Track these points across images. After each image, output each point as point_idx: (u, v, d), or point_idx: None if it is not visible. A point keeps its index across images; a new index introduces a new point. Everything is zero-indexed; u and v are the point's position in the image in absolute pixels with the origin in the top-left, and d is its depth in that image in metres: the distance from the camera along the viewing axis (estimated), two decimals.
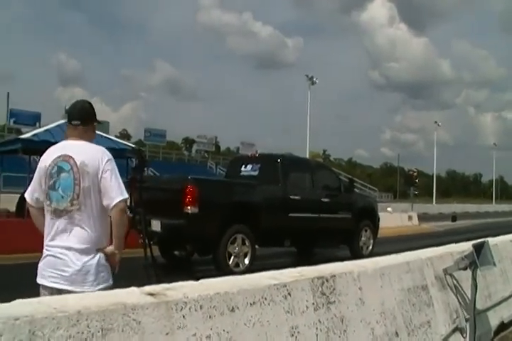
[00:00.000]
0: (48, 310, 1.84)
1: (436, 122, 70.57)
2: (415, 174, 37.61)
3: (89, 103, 3.44)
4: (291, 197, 10.81)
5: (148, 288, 2.36)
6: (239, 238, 9.51)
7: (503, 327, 5.86)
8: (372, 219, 13.26)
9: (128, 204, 3.48)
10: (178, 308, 2.27)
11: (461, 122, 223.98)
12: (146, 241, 5.85)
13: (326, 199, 11.80)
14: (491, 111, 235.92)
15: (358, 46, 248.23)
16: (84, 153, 3.15)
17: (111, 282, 3.18)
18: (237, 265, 9.44)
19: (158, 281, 2.94)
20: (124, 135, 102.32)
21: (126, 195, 3.18)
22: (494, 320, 5.67)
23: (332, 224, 11.87)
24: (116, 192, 3.12)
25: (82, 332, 1.89)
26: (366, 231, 12.86)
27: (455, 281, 4.97)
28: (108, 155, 3.22)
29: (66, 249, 3.05)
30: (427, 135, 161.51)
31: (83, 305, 1.97)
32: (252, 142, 66.48)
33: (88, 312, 1.94)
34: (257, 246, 9.97)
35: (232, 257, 9.38)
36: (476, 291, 4.78)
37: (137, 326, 2.08)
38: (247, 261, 9.56)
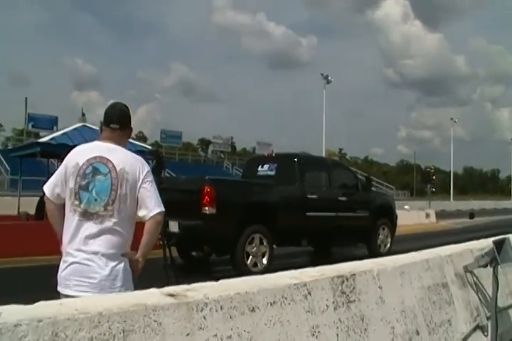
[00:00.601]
0: (70, 312, 1.85)
1: (452, 118, 70.28)
2: (432, 171, 37.39)
3: (127, 106, 3.39)
4: (308, 196, 10.86)
5: (168, 289, 2.37)
6: (256, 238, 9.56)
7: None
8: (389, 217, 13.27)
9: None
10: (199, 309, 2.27)
11: (478, 118, 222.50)
12: (165, 242, 5.83)
13: (343, 198, 11.82)
14: (508, 106, 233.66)
15: (373, 44, 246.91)
16: (124, 159, 3.11)
17: (133, 288, 3.09)
18: (255, 265, 9.50)
19: (178, 282, 2.91)
20: (141, 137, 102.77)
21: (163, 208, 3.16)
22: None
23: (349, 223, 11.92)
24: (155, 203, 3.12)
25: (104, 334, 1.89)
26: (384, 229, 12.89)
27: (475, 279, 4.93)
28: (147, 166, 3.21)
29: (93, 254, 2.98)
30: (443, 131, 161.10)
31: (104, 306, 1.98)
32: (269, 142, 66.50)
33: (109, 314, 1.95)
34: (274, 246, 9.97)
35: (250, 257, 9.43)
36: (497, 288, 4.74)
37: (158, 327, 2.08)
38: (265, 260, 9.62)
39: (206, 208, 9.00)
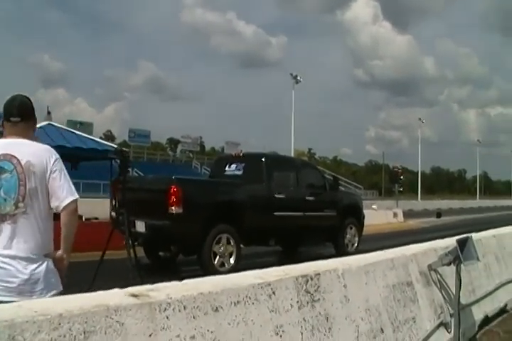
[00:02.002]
0: (28, 314, 1.82)
1: (420, 119, 71.13)
2: (400, 171, 37.70)
3: (28, 98, 3.19)
4: (275, 195, 10.82)
5: (131, 289, 2.35)
6: (224, 238, 9.51)
7: (487, 321, 5.92)
8: (357, 216, 13.29)
9: (113, 205, 3.36)
10: (162, 309, 2.26)
11: (445, 119, 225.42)
12: (129, 242, 5.78)
13: (310, 198, 11.82)
14: (474, 108, 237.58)
15: (343, 44, 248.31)
16: (30, 152, 2.94)
17: (61, 288, 2.99)
18: (222, 265, 9.44)
19: (142, 282, 2.85)
20: (109, 136, 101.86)
21: (76, 196, 2.99)
22: (478, 314, 5.72)
23: (317, 222, 11.90)
24: (66, 192, 2.94)
25: (64, 336, 1.87)
26: (351, 228, 12.90)
27: (439, 277, 5.00)
28: (55, 154, 3.02)
29: (11, 258, 2.81)
30: (412, 132, 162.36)
31: (65, 307, 1.95)
32: (237, 141, 66.53)
33: (70, 315, 1.92)
34: (242, 246, 9.98)
35: (218, 257, 9.38)
36: (460, 286, 4.82)
37: (120, 328, 2.07)
38: (232, 260, 9.57)
39: (173, 208, 8.93)
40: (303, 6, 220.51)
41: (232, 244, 9.61)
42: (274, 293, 2.85)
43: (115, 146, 13.29)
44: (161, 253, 10.87)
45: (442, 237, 6.31)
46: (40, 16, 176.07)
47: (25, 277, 2.81)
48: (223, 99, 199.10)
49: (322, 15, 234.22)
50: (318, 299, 3.19)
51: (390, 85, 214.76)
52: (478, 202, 66.71)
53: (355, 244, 12.91)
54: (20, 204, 2.86)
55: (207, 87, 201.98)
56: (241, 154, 12.40)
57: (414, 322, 4.28)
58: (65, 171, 3.02)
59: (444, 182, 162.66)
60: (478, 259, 5.01)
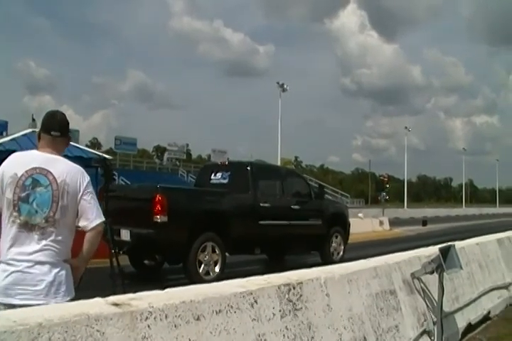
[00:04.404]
0: (6, 324, 1.82)
1: (406, 127, 71.22)
2: (385, 179, 37.95)
3: (65, 115, 3.34)
4: (260, 204, 10.78)
5: (113, 298, 2.35)
6: (209, 246, 9.49)
7: (470, 328, 5.95)
8: (342, 225, 13.27)
9: None
10: (143, 318, 2.26)
11: (432, 127, 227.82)
12: (112, 250, 5.75)
13: (296, 206, 11.79)
14: (461, 117, 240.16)
15: (330, 53, 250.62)
16: (65, 170, 3.09)
17: (74, 294, 3.12)
18: (207, 273, 9.41)
19: (125, 291, 2.89)
20: (95, 144, 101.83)
21: (103, 218, 3.19)
22: (462, 321, 5.75)
23: (302, 231, 11.89)
24: (95, 214, 3.13)
25: None
26: (337, 237, 12.89)
27: (423, 285, 5.03)
28: (87, 176, 3.20)
29: (36, 263, 2.96)
30: (398, 140, 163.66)
31: (45, 317, 1.95)
32: (224, 149, 66.45)
33: (50, 325, 1.92)
34: (227, 254, 9.96)
35: (203, 265, 9.34)
36: (442, 294, 4.85)
37: (101, 337, 2.07)
38: (217, 269, 9.55)
39: (158, 216, 8.89)
40: (290, 15, 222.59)
41: (217, 252, 9.59)
42: (256, 301, 2.86)
43: (100, 154, 13.27)
44: (146, 262, 10.81)
45: (427, 245, 6.35)
46: (27, 23, 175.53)
47: (51, 279, 2.97)
48: (210, 107, 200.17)
49: (310, 24, 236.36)
50: (301, 308, 3.20)
51: (377, 94, 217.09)
52: (464, 210, 67.11)
53: (341, 253, 12.91)
54: (50, 219, 3.01)
55: (194, 95, 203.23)
56: (227, 162, 12.47)
57: (398, 330, 4.30)
58: (94, 194, 3.20)
59: (430, 190, 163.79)
60: (460, 268, 5.04)
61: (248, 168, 11.24)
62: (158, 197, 8.98)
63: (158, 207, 8.92)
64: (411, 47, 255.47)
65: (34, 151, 3.20)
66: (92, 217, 3.11)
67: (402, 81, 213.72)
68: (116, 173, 45.25)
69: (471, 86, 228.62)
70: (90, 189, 3.16)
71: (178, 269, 9.59)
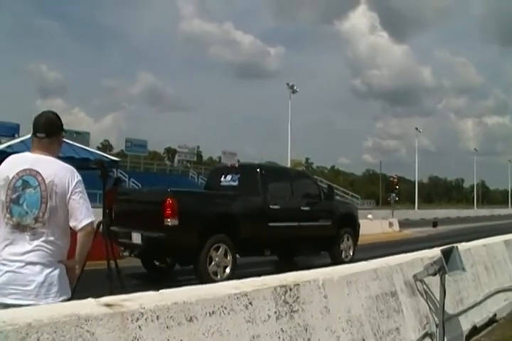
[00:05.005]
0: None
1: (417, 128, 70.86)
2: (395, 180, 37.78)
3: (56, 114, 3.37)
4: (270, 206, 10.89)
5: (105, 299, 2.36)
6: (220, 248, 9.61)
7: (475, 331, 5.90)
8: (352, 225, 13.40)
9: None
10: (134, 319, 2.27)
11: (443, 128, 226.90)
12: (110, 251, 5.77)
13: (305, 208, 11.89)
14: (471, 117, 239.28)
15: (340, 54, 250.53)
16: (53, 171, 3.11)
17: (70, 294, 3.15)
18: (218, 274, 9.51)
19: (123, 292, 2.89)
20: (106, 146, 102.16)
21: (93, 218, 3.19)
22: (466, 324, 5.71)
23: (312, 232, 11.96)
24: (84, 214, 3.13)
25: None
26: (347, 238, 13.00)
27: (425, 287, 5.00)
28: (77, 175, 3.20)
29: (28, 264, 3.00)
30: (409, 141, 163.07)
31: (34, 317, 1.96)
32: (234, 151, 66.49)
33: (39, 325, 1.93)
34: (238, 256, 10.05)
35: (214, 267, 9.46)
36: (444, 296, 4.82)
37: (91, 337, 2.07)
38: (228, 270, 9.64)
39: (168, 220, 9.02)
40: (300, 17, 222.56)
41: (228, 254, 9.70)
42: (250, 303, 2.86)
43: (109, 156, 13.31)
44: (156, 263, 10.92)
45: (436, 246, 6.31)
46: (38, 25, 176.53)
47: (41, 280, 3.00)
48: (221, 109, 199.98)
49: (320, 26, 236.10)
50: (297, 310, 3.19)
51: (387, 95, 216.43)
52: (475, 211, 66.77)
53: (351, 253, 13.02)
54: (40, 220, 3.05)
55: (205, 97, 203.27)
56: (236, 165, 12.56)
57: (398, 332, 4.28)
58: (85, 193, 3.20)
59: (441, 192, 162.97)
60: (463, 269, 5.00)
61: (258, 170, 11.39)
62: (169, 201, 9.09)
63: (169, 211, 9.03)
64: (421, 48, 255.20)
65: (27, 153, 3.24)
66: (80, 217, 3.11)
67: (412, 82, 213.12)
68: (126, 175, 45.57)
69: (482, 86, 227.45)
70: (80, 188, 3.16)
71: (190, 270, 9.71)
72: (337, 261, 11.82)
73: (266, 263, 12.21)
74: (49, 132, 3.23)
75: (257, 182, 10.99)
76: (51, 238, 3.07)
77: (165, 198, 9.16)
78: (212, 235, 9.51)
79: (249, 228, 10.23)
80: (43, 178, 3.07)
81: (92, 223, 3.19)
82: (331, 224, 12.54)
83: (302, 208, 11.81)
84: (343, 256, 12.71)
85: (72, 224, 3.12)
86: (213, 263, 9.46)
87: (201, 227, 9.42)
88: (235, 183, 11.29)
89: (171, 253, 9.80)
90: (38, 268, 3.01)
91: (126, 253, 9.89)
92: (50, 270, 3.04)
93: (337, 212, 13.02)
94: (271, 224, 10.73)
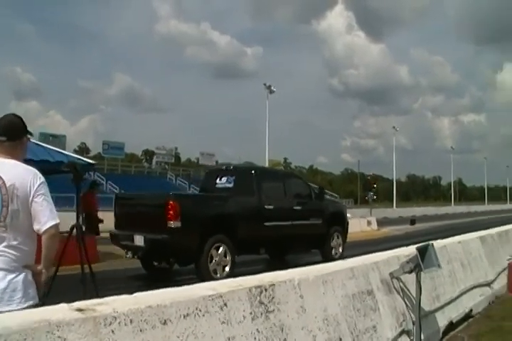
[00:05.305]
0: None
1: (394, 127, 71.32)
2: (372, 180, 38.03)
3: (19, 117, 3.30)
4: (265, 207, 11.32)
5: (78, 304, 2.34)
6: (219, 247, 10.01)
7: (451, 327, 5.97)
8: (341, 224, 13.94)
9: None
10: (107, 323, 2.25)
11: (420, 127, 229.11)
12: (84, 256, 5.73)
13: (297, 207, 12.34)
14: (448, 116, 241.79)
15: (318, 54, 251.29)
16: (15, 174, 3.05)
17: (37, 300, 3.09)
18: (218, 272, 9.90)
19: (98, 296, 2.86)
20: (83, 149, 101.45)
21: (57, 220, 3.11)
22: (443, 320, 5.77)
23: (304, 231, 12.39)
24: (48, 217, 3.06)
25: None
26: (337, 236, 13.49)
27: (402, 285, 5.04)
28: (40, 177, 3.12)
29: None
30: (387, 140, 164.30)
31: (3, 325, 1.93)
32: (212, 152, 66.47)
33: (8, 333, 1.90)
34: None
35: (214, 265, 9.85)
36: (420, 293, 4.86)
37: None
38: (227, 268, 10.06)
39: (171, 222, 9.42)
40: (277, 17, 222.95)
41: (227, 253, 10.11)
42: (225, 304, 2.85)
43: (85, 159, 13.20)
44: (155, 264, 11.21)
45: (413, 244, 6.36)
46: (12, 28, 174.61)
47: (3, 286, 2.92)
48: (199, 110, 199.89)
49: (297, 26, 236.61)
50: (273, 310, 3.19)
51: (364, 94, 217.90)
52: (452, 209, 67.39)
53: (340, 250, 13.50)
54: (1, 224, 2.98)
55: (182, 98, 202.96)
56: (231, 167, 13.00)
57: (375, 330, 4.30)
58: (49, 196, 3.13)
59: (419, 190, 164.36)
60: (439, 266, 5.05)
61: (252, 172, 11.93)
62: (171, 204, 9.53)
63: (172, 213, 9.45)
64: (398, 47, 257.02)
65: None
66: (44, 219, 3.05)
67: (389, 81, 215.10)
68: (103, 178, 45.27)
69: (458, 85, 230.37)
70: (43, 191, 3.09)
71: (188, 270, 10.24)
72: (327, 258, 12.28)
73: (257, 261, 12.42)
74: (11, 135, 3.16)
75: (252, 184, 11.42)
76: (14, 243, 3.00)
77: (167, 201, 9.61)
78: (212, 235, 9.90)
79: (246, 228, 10.65)
80: (3, 182, 3.00)
81: (56, 225, 3.10)
82: (321, 222, 13.01)
83: (294, 207, 12.25)
84: (333, 253, 13.16)
85: (35, 227, 3.05)
86: (214, 262, 9.83)
87: (202, 228, 9.83)
88: (230, 185, 11.71)
89: (174, 254, 10.12)
90: (1, 273, 2.94)
91: (129, 255, 10.33)
92: (13, 276, 2.97)
93: (327, 211, 13.50)
94: (266, 223, 11.17)
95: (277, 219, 11.58)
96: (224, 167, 13.52)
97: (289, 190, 12.51)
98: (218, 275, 9.72)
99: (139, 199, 11.65)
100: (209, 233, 9.85)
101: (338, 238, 13.45)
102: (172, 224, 9.39)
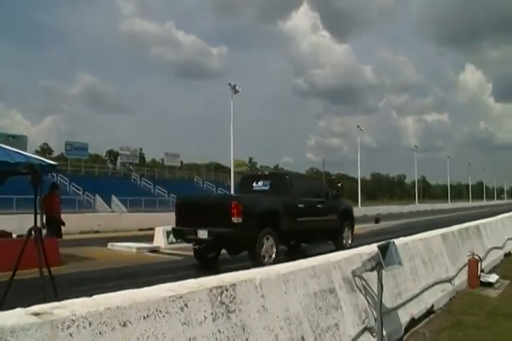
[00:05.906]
0: None
1: (358, 126, 71.78)
2: (335, 178, 38.27)
3: None
4: (298, 205, 13.64)
5: (34, 308, 2.31)
6: (268, 238, 12.21)
7: (413, 323, 6.05)
8: (351, 219, 16.50)
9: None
10: (65, 327, 2.22)
11: (384, 126, 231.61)
12: (43, 259, 5.63)
13: (319, 205, 14.81)
14: (412, 115, 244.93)
15: (283, 54, 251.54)
16: None
17: None
18: (266, 258, 11.98)
19: (57, 300, 2.81)
20: (45, 149, 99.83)
21: None
22: (404, 316, 5.85)
23: (324, 225, 14.81)
24: None
25: None
26: (347, 229, 15.97)
27: (364, 282, 5.09)
28: None
29: None
30: (351, 139, 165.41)
31: None
32: (177, 152, 66.12)
33: None
34: None
35: (264, 252, 12.03)
36: (382, 291, 4.91)
37: None
38: (274, 255, 12.23)
39: (235, 218, 11.59)
40: (243, 17, 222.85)
41: (273, 242, 12.31)
42: (186, 305, 2.85)
43: (47, 160, 13.00)
44: (204, 254, 13.24)
45: (376, 242, 6.42)
46: None
47: None
48: (163, 110, 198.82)
49: (263, 25, 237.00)
50: (234, 310, 3.19)
51: (329, 93, 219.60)
52: (416, 207, 68.26)
53: (350, 242, 15.87)
54: None
55: (147, 98, 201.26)
56: (266, 173, 15.87)
57: (338, 328, 4.34)
58: None
59: (384, 188, 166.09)
60: (400, 264, 5.12)
61: (287, 176, 14.55)
62: (234, 203, 11.73)
63: (235, 211, 11.66)
64: (362, 47, 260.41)
65: None
66: None
67: (354, 81, 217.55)
68: (66, 179, 44.66)
69: (422, 85, 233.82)
70: None
71: (231, 259, 12.84)
72: (340, 247, 14.14)
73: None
74: None
75: (287, 186, 13.80)
76: None
77: (231, 201, 11.91)
78: (263, 228, 12.13)
79: (286, 222, 12.89)
80: None
81: None
82: (336, 218, 15.42)
83: (317, 205, 14.69)
84: (344, 243, 15.47)
85: None
86: (263, 249, 12.04)
87: (256, 223, 12.03)
88: (266, 188, 14.11)
89: (235, 244, 12.18)
90: None
91: (196, 247, 12.60)
92: None
93: (340, 208, 15.93)
94: (299, 219, 13.44)
95: (306, 215, 13.83)
96: (260, 172, 16.71)
97: (313, 190, 15.02)
98: (266, 260, 11.85)
99: (204, 200, 14.52)
100: (261, 226, 12.06)
101: (348, 231, 15.97)
102: (235, 220, 11.56)
